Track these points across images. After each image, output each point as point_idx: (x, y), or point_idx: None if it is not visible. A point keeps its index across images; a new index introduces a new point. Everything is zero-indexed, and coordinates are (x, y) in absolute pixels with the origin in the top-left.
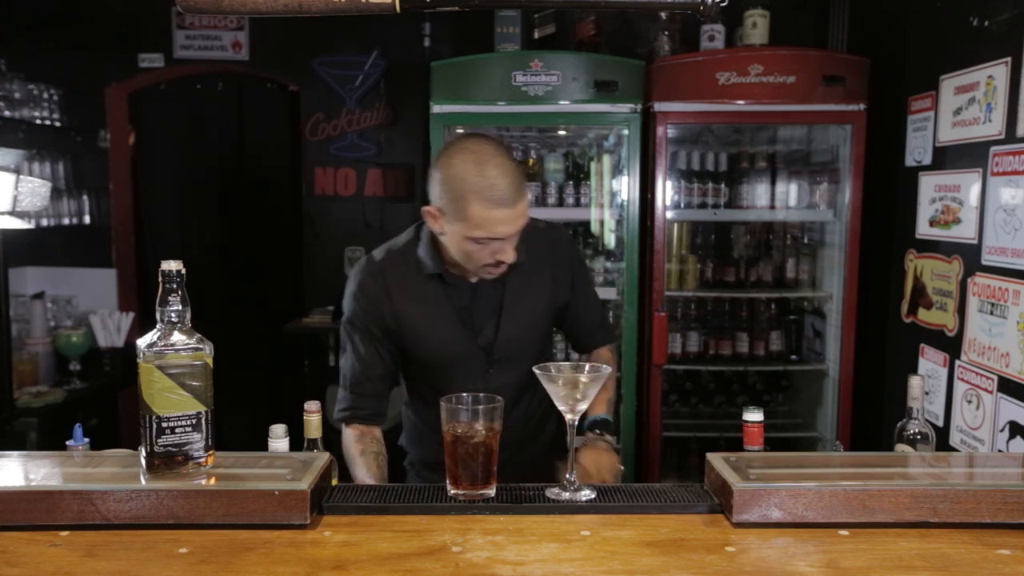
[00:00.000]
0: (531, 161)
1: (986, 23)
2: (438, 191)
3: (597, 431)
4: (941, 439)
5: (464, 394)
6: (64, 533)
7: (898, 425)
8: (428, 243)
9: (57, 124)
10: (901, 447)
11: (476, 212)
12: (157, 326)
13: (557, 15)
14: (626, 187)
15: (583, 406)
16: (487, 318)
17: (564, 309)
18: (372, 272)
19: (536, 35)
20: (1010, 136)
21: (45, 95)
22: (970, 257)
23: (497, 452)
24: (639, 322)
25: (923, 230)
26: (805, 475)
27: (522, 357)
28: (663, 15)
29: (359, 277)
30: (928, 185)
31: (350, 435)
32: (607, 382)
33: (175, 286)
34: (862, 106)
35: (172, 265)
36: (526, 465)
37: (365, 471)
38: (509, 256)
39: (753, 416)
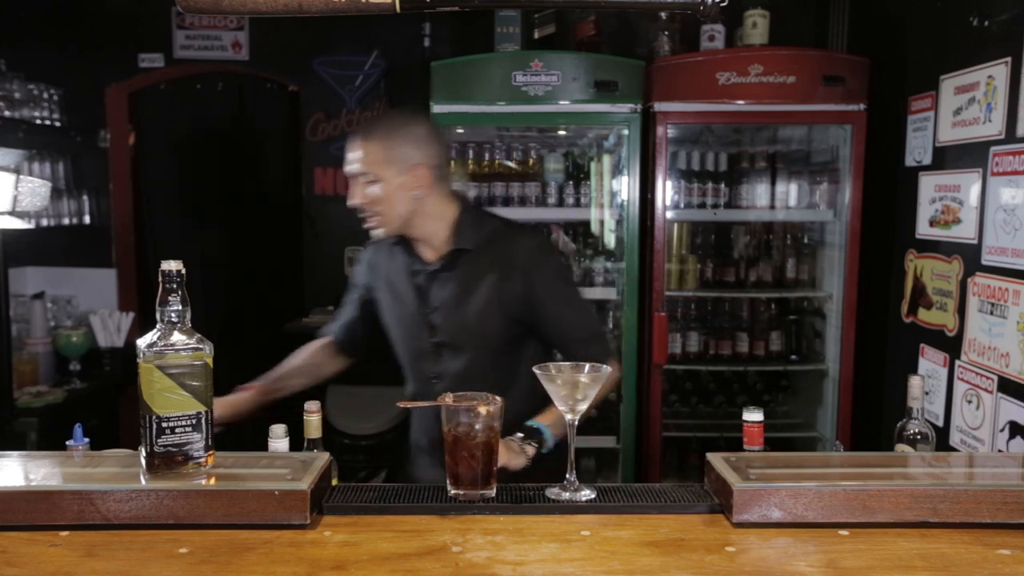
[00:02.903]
0: (531, 161)
1: (986, 23)
2: None
3: (522, 436)
4: (941, 439)
5: (464, 393)
6: (64, 533)
7: (898, 425)
8: None
9: (57, 124)
10: (901, 447)
11: None
12: (157, 326)
13: (557, 15)
14: (626, 187)
15: (583, 406)
16: (439, 303)
17: (535, 321)
18: (369, 246)
19: (536, 35)
20: (1010, 136)
21: (45, 95)
22: (970, 257)
23: (498, 452)
24: (639, 322)
25: (923, 230)
26: (805, 475)
27: (470, 347)
28: (663, 15)
29: (366, 248)
30: (928, 185)
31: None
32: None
33: (175, 286)
34: (862, 106)
35: (172, 265)
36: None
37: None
38: (353, 197)
39: (753, 416)
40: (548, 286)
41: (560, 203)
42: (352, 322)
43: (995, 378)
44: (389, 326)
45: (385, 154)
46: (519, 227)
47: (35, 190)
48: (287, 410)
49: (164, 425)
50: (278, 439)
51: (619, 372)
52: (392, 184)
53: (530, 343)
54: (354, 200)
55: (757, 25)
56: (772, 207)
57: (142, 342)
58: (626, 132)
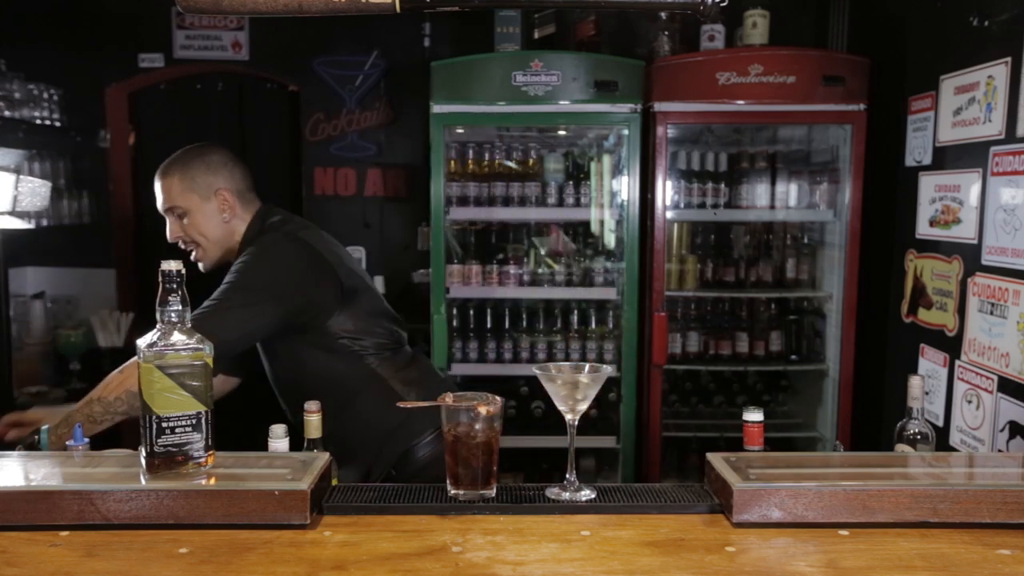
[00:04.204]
0: (531, 161)
1: (986, 23)
2: None
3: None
4: (941, 439)
5: (464, 393)
6: (64, 533)
7: (898, 425)
8: None
9: (57, 124)
10: (901, 447)
11: None
12: (157, 326)
13: (557, 15)
14: (626, 187)
15: (583, 406)
16: None
17: None
18: None
19: (536, 35)
20: (1010, 136)
21: (45, 95)
22: (970, 257)
23: (497, 452)
24: (639, 322)
25: (923, 230)
26: (805, 475)
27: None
28: (663, 15)
29: None
30: (928, 185)
31: None
32: None
33: (175, 286)
34: (862, 106)
35: (172, 265)
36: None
37: None
38: (169, 233)
39: (753, 416)
40: (229, 274)
41: (560, 203)
42: None
43: (995, 378)
44: None
45: (185, 185)
46: (269, 233)
47: (35, 190)
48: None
49: (164, 425)
50: (278, 439)
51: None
52: (200, 213)
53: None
54: (172, 236)
55: (757, 25)
56: (772, 207)
57: (142, 342)
58: (626, 132)
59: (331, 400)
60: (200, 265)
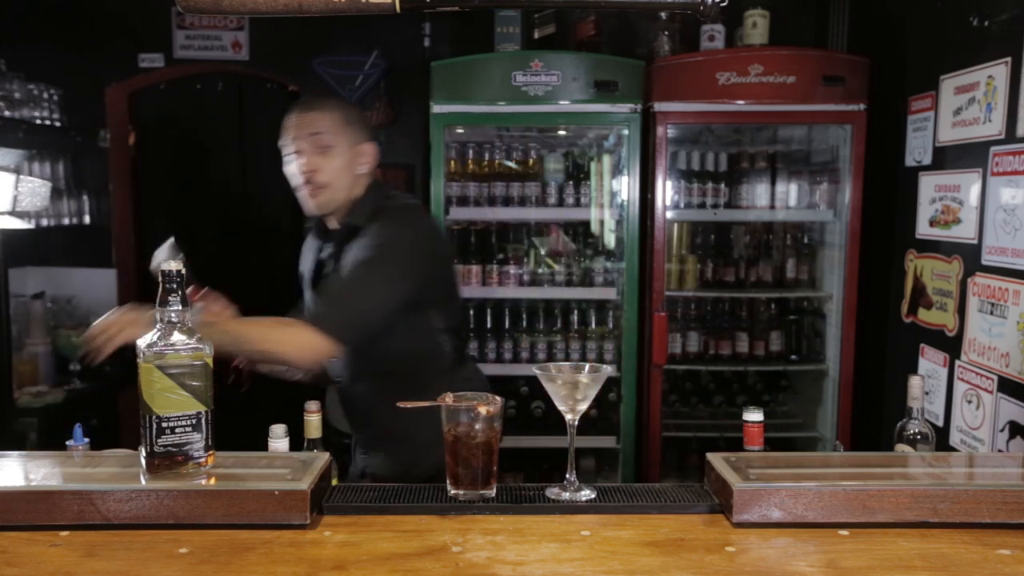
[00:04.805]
0: (531, 161)
1: (986, 23)
2: None
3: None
4: (941, 439)
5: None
6: (64, 533)
7: (898, 425)
8: None
9: (57, 124)
10: (901, 447)
11: (284, 122)
12: (157, 326)
13: (557, 15)
14: (626, 187)
15: (583, 406)
16: (327, 278)
17: None
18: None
19: (536, 35)
20: (1010, 136)
21: (45, 95)
22: (970, 257)
23: (498, 452)
24: (639, 322)
25: (923, 230)
26: (805, 475)
27: None
28: (663, 15)
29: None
30: (928, 185)
31: None
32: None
33: (175, 286)
34: (862, 106)
35: (172, 265)
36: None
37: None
38: (302, 165)
39: (753, 416)
40: (356, 249)
41: (560, 203)
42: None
43: (995, 378)
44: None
45: (342, 122)
46: (400, 206)
47: (35, 190)
48: (287, 410)
49: (164, 425)
50: (278, 439)
51: (322, 344)
52: (344, 156)
53: (416, 331)
54: (306, 167)
55: (757, 25)
56: (772, 207)
57: (142, 342)
58: (626, 132)
59: (405, 387)
60: (310, 204)
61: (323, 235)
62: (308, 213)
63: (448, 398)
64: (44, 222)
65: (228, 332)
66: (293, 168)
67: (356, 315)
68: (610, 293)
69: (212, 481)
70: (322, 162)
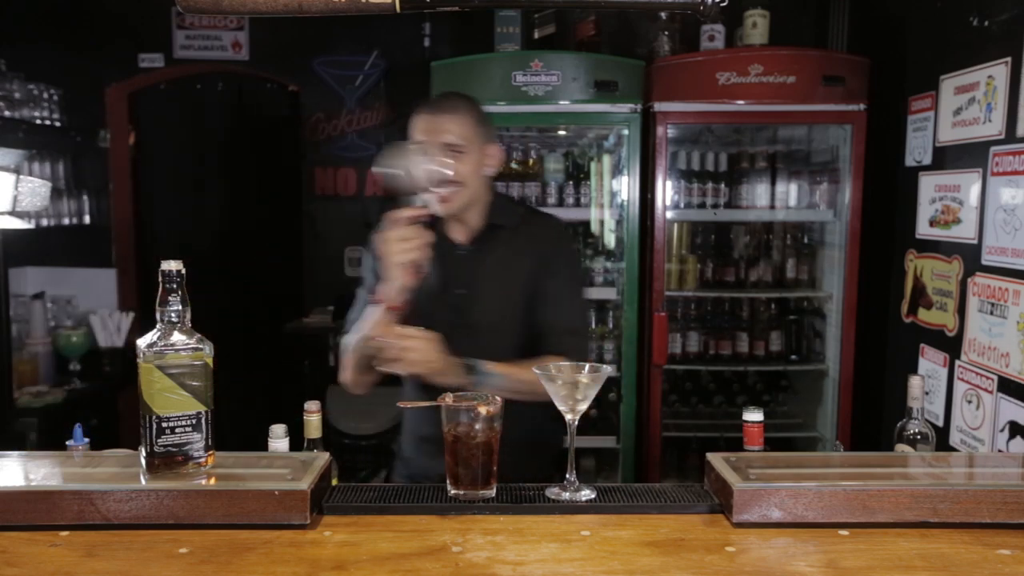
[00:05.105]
0: (531, 161)
1: (986, 23)
2: None
3: (468, 362)
4: (941, 439)
5: (464, 393)
6: (64, 533)
7: (898, 425)
8: None
9: (57, 124)
10: (901, 447)
11: (413, 122)
12: (157, 326)
13: (557, 15)
14: (626, 187)
15: (583, 406)
16: (469, 283)
17: (533, 302)
18: (375, 238)
19: (536, 35)
20: (1010, 136)
21: (45, 95)
22: (970, 257)
23: (497, 452)
24: (639, 322)
25: (923, 230)
26: (805, 475)
27: (491, 327)
28: (663, 15)
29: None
30: (928, 185)
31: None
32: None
33: (175, 286)
34: (862, 106)
35: (172, 265)
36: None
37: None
38: (447, 169)
39: (753, 416)
40: (561, 270)
41: (560, 203)
42: None
43: (995, 378)
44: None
45: (474, 123)
46: (540, 211)
47: (35, 190)
48: (287, 410)
49: (164, 425)
50: (278, 439)
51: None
52: (474, 156)
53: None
54: (449, 171)
55: (757, 25)
56: (772, 207)
57: (142, 342)
58: (626, 132)
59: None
60: (442, 206)
61: (441, 239)
62: (437, 215)
63: (448, 398)
64: (44, 222)
65: (507, 378)
66: (419, 171)
67: (587, 337)
68: (610, 293)
69: (212, 481)
70: (455, 165)
